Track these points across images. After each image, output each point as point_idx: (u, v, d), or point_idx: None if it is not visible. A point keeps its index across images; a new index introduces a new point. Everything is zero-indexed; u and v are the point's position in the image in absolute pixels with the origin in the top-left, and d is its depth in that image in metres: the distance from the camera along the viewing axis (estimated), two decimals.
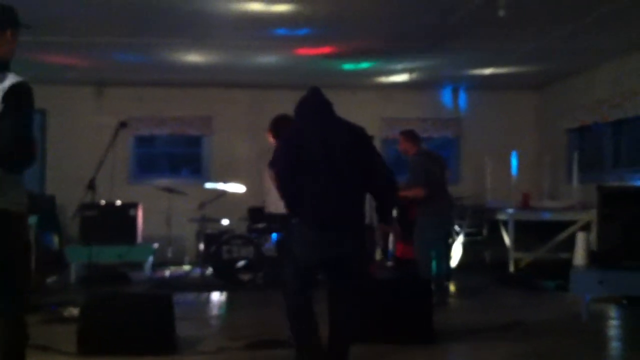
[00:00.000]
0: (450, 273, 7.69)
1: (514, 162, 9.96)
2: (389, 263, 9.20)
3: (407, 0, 6.17)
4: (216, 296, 7.72)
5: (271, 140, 7.24)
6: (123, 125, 6.92)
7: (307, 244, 4.24)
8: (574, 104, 9.82)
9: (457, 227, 7.74)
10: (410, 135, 7.42)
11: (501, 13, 6.04)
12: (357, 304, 4.46)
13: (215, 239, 8.42)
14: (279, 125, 7.26)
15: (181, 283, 8.36)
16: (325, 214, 4.20)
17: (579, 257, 6.53)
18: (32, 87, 3.22)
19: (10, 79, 3.16)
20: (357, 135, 4.45)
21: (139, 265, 8.95)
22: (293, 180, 4.27)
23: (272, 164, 4.44)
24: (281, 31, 7.36)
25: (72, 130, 10.11)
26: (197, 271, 8.53)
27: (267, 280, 8.02)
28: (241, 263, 8.05)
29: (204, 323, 6.46)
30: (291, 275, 4.35)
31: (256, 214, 8.74)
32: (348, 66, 9.13)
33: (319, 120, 4.45)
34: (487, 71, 9.62)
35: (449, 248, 7.70)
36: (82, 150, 9.50)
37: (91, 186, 6.01)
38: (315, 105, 4.56)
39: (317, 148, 4.24)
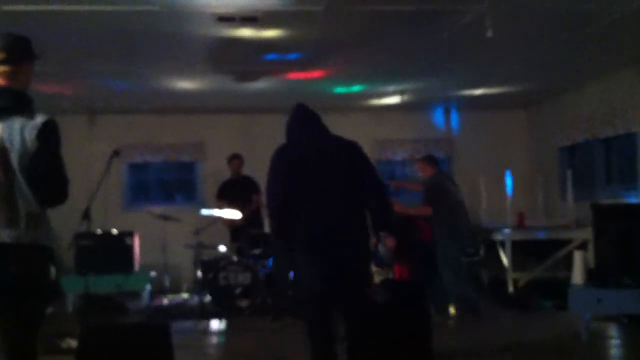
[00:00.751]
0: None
1: (508, 181, 9.98)
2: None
3: (395, 22, 6.20)
4: (215, 323, 7.68)
5: None
6: (116, 153, 6.91)
7: (309, 272, 4.12)
8: (564, 122, 9.87)
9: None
10: (426, 159, 7.78)
11: (489, 33, 6.07)
12: (366, 324, 4.38)
13: (212, 265, 8.39)
14: None
15: (179, 311, 8.32)
16: (322, 235, 4.08)
17: (577, 275, 6.52)
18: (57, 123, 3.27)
19: (41, 116, 3.20)
20: (349, 150, 4.37)
21: (136, 294, 8.90)
22: (285, 202, 4.17)
23: (268, 183, 4.37)
24: (271, 56, 7.39)
25: (65, 158, 10.02)
26: (195, 298, 8.48)
27: (264, 306, 7.99)
28: (238, 290, 8.01)
29: (203, 351, 6.42)
30: (306, 308, 4.23)
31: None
32: (340, 89, 9.17)
33: (309, 138, 4.38)
34: (478, 91, 9.67)
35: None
36: (76, 179, 9.30)
37: (86, 215, 5.99)
38: (303, 122, 4.49)
39: (308, 166, 4.17)
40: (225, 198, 9.41)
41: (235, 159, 9.71)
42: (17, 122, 3.13)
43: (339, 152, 4.31)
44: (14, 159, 3.10)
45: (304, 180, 4.14)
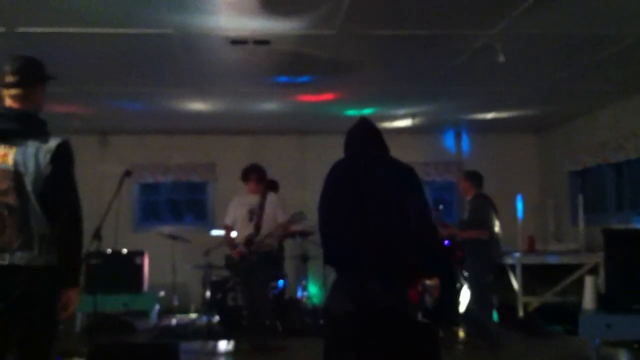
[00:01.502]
0: (459, 318, 7.64)
1: (519, 205, 9.94)
2: None
3: (408, 46, 6.23)
4: (223, 344, 7.66)
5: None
6: (128, 174, 6.94)
7: (341, 295, 3.86)
8: (575, 147, 9.86)
9: (464, 272, 7.71)
10: (473, 176, 7.60)
11: (501, 59, 6.10)
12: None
13: (221, 286, 8.38)
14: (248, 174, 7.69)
15: (187, 331, 8.30)
16: (363, 263, 3.79)
17: (588, 300, 6.48)
18: (71, 145, 3.31)
19: (55, 139, 3.23)
20: (405, 174, 4.02)
21: (144, 314, 8.89)
22: (328, 222, 3.96)
23: (319, 204, 4.06)
24: (283, 79, 7.43)
25: (76, 178, 10.07)
26: (204, 319, 8.47)
27: (273, 327, 7.96)
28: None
29: None
30: (327, 331, 4.02)
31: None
32: (351, 112, 9.19)
33: (364, 155, 4.08)
34: (489, 115, 9.68)
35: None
36: (87, 199, 9.39)
37: (97, 235, 6.00)
38: (359, 139, 4.19)
39: (353, 187, 3.89)
40: None
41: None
42: (31, 146, 3.16)
43: (393, 175, 3.98)
44: (28, 182, 3.12)
45: (346, 205, 3.89)
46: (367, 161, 4.03)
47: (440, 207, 8.21)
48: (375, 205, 3.83)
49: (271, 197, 7.53)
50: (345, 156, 4.19)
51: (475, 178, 7.61)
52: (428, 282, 4.25)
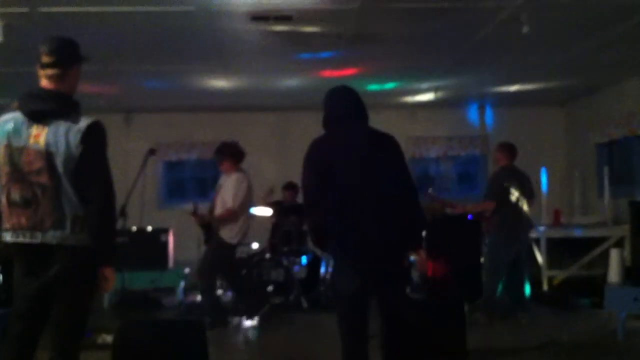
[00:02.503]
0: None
1: (544, 178, 9.87)
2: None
3: (431, 19, 6.17)
4: (247, 320, 7.71)
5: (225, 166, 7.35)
6: (152, 152, 7.00)
7: (345, 273, 3.94)
8: (602, 119, 9.74)
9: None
10: (504, 148, 7.52)
11: (525, 29, 6.02)
12: (401, 322, 4.15)
13: (245, 262, 8.43)
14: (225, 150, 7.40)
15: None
16: (359, 237, 3.87)
17: (613, 273, 6.43)
18: (104, 125, 3.32)
19: (86, 119, 3.24)
20: (390, 147, 4.12)
21: (171, 290, 8.98)
22: (320, 202, 3.94)
23: (302, 181, 4.07)
24: (305, 54, 7.40)
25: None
26: (229, 295, 8.53)
27: (298, 302, 8.01)
28: (270, 288, 8.05)
29: (236, 347, 6.46)
30: (339, 310, 4.04)
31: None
32: (373, 87, 9.15)
33: (349, 127, 4.09)
34: (513, 88, 9.59)
35: (523, 270, 7.44)
36: (113, 177, 9.55)
37: (123, 213, 6.07)
38: (346, 110, 4.17)
39: (348, 163, 3.91)
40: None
41: (290, 190, 9.27)
42: (62, 126, 3.18)
43: (377, 147, 4.06)
44: (59, 162, 3.15)
45: (338, 176, 3.91)
46: (357, 134, 4.05)
47: (430, 189, 8.18)
48: (370, 181, 3.89)
49: (230, 181, 7.27)
50: (333, 127, 4.16)
51: (506, 149, 7.50)
52: (413, 257, 4.30)
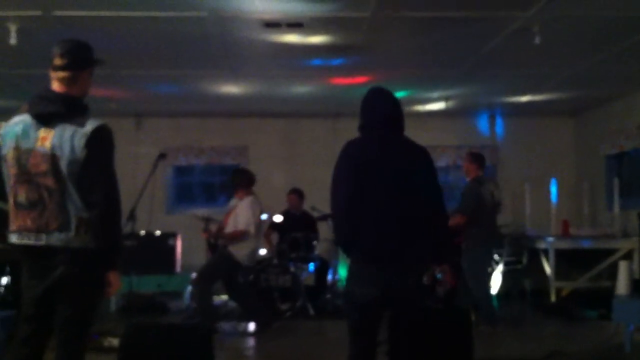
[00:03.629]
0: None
1: (553, 189, 9.85)
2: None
3: (442, 28, 6.18)
4: (254, 325, 7.71)
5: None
6: (162, 156, 7.03)
7: (365, 281, 3.83)
8: (612, 130, 9.71)
9: (496, 256, 7.66)
10: (476, 158, 7.42)
11: (537, 40, 6.03)
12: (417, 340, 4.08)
13: (253, 267, 8.42)
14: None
15: (219, 312, 8.36)
16: (386, 248, 3.78)
17: (622, 286, 6.41)
18: (111, 129, 3.30)
19: (92, 123, 3.22)
20: (422, 158, 3.96)
21: (177, 295, 8.99)
22: (351, 208, 3.81)
23: (333, 184, 3.94)
24: (316, 61, 7.42)
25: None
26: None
27: (304, 309, 8.01)
28: (278, 293, 8.05)
29: (242, 353, 6.46)
30: (352, 318, 3.95)
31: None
32: None
33: (385, 136, 3.94)
34: (524, 98, 9.58)
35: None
36: (122, 181, 9.54)
37: (131, 216, 6.09)
38: (383, 116, 4.00)
39: (381, 172, 3.79)
40: (278, 230, 9.12)
41: (293, 194, 9.18)
42: (68, 129, 3.17)
43: (411, 158, 3.92)
44: (64, 165, 3.15)
45: (369, 185, 3.79)
46: (394, 146, 3.91)
47: None
48: (401, 194, 3.78)
49: (243, 204, 7.48)
50: (368, 134, 4.00)
51: (478, 160, 7.42)
52: (438, 273, 4.22)
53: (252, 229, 7.31)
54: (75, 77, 3.31)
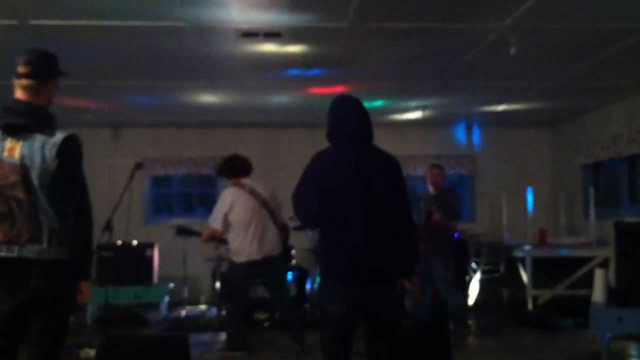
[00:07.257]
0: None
1: (530, 198, 9.91)
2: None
3: (419, 39, 6.22)
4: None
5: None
6: (139, 166, 6.97)
7: (334, 297, 3.79)
8: (588, 140, 9.81)
9: (473, 265, 7.71)
10: (443, 169, 7.74)
11: (513, 51, 6.09)
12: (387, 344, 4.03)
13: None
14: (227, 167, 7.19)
15: (197, 323, 8.33)
16: (356, 264, 3.71)
17: (598, 294, 6.45)
18: (80, 138, 3.31)
19: (61, 133, 3.22)
20: (392, 168, 3.91)
21: (155, 306, 8.93)
22: (318, 222, 3.78)
23: (294, 198, 3.86)
24: (294, 72, 7.43)
25: (88, 171, 9.87)
26: (213, 311, 8.49)
27: (283, 320, 7.97)
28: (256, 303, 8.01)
29: None
30: (325, 329, 3.92)
31: None
32: None
33: (354, 148, 3.84)
34: (500, 108, 9.64)
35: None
36: (99, 191, 9.50)
37: (108, 227, 6.04)
38: (352, 127, 3.89)
39: (349, 184, 3.71)
40: None
41: None
42: (38, 140, 3.16)
43: (380, 169, 3.85)
44: (35, 176, 3.12)
45: (336, 196, 3.72)
46: (364, 159, 3.84)
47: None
48: (370, 208, 3.73)
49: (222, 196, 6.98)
50: (337, 144, 3.90)
51: (444, 171, 7.80)
52: (407, 285, 4.21)
53: (217, 225, 6.63)
54: (38, 87, 3.29)
